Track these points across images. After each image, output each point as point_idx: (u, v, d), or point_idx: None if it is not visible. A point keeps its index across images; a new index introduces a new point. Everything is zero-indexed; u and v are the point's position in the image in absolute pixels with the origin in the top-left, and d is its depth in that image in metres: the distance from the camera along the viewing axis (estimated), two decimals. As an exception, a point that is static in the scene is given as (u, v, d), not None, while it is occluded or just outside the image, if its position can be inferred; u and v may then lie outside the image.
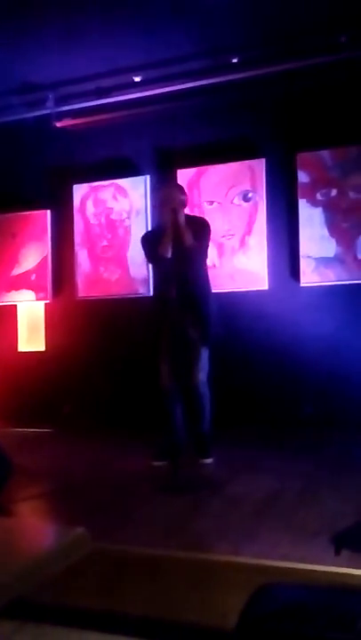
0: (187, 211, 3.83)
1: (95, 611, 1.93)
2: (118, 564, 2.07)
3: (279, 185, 5.22)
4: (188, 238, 3.57)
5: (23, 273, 6.05)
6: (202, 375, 3.67)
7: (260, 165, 5.25)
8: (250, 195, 5.27)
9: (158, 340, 3.66)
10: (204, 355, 3.67)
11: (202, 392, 3.67)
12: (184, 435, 3.68)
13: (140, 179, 5.64)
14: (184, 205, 3.72)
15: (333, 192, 5.04)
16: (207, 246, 3.81)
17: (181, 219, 3.58)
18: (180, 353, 3.61)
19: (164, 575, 2.03)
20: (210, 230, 3.82)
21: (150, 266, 5.42)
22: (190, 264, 3.62)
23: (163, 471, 3.44)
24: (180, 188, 3.92)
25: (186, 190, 3.96)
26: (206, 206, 5.36)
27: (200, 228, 3.73)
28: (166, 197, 3.71)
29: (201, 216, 3.89)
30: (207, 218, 4.10)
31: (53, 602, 1.91)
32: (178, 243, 3.57)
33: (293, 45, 4.74)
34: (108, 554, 2.04)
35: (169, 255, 3.58)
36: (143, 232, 5.55)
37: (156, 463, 3.62)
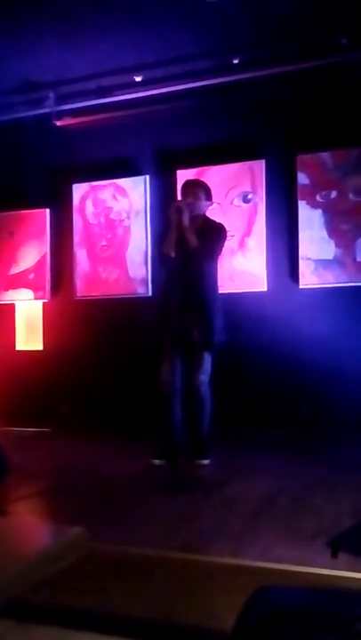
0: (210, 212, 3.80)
1: (91, 611, 1.92)
2: (114, 564, 2.07)
3: (279, 186, 5.21)
4: (193, 240, 3.54)
5: (21, 272, 6.04)
6: (203, 377, 3.65)
7: (260, 167, 5.25)
8: (250, 196, 5.27)
9: (160, 340, 3.64)
10: (207, 357, 3.65)
11: (203, 393, 3.66)
12: (182, 436, 3.67)
13: (139, 179, 5.64)
14: (194, 207, 3.67)
15: (333, 194, 5.04)
16: (218, 251, 3.74)
17: (186, 219, 3.55)
18: (182, 354, 3.59)
19: (161, 576, 2.03)
20: (224, 236, 3.76)
21: (150, 266, 5.44)
22: (195, 266, 3.58)
23: (160, 472, 3.43)
24: (197, 188, 3.80)
25: (207, 193, 3.83)
26: (206, 207, 5.35)
27: (213, 232, 3.69)
28: (184, 195, 3.70)
29: (219, 221, 3.84)
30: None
31: (48, 602, 1.90)
32: (183, 244, 3.55)
33: (294, 47, 4.74)
34: (104, 554, 2.04)
35: (172, 254, 3.55)
36: (142, 232, 5.61)
37: (154, 462, 3.61)
